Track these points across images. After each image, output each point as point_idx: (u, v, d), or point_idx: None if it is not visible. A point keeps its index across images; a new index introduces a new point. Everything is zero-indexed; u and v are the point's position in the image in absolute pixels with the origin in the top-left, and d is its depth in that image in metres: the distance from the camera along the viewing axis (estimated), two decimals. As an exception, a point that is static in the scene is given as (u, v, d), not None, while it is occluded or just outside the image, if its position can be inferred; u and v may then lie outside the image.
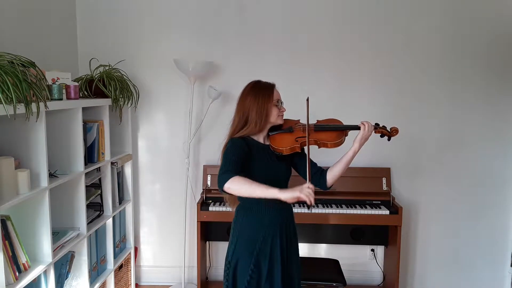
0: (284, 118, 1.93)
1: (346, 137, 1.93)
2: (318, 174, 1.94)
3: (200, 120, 3.27)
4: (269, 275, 1.85)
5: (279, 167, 1.73)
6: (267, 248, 1.86)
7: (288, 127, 1.92)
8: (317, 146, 1.90)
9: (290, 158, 1.92)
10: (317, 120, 1.98)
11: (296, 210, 2.95)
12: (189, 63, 3.00)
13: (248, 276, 1.82)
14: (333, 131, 1.90)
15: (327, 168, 1.95)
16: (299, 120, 1.98)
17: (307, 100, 1.90)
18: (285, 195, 1.57)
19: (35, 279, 1.95)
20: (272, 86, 1.90)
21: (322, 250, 3.46)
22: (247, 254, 1.85)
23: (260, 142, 1.90)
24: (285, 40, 3.24)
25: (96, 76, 2.78)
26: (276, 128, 1.92)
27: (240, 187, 1.60)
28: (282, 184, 1.95)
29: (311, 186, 1.58)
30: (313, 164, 1.91)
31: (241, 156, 1.77)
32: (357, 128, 1.88)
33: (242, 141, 1.83)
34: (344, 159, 1.88)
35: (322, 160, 2.10)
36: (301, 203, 1.66)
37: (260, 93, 1.84)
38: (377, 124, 1.94)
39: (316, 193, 1.77)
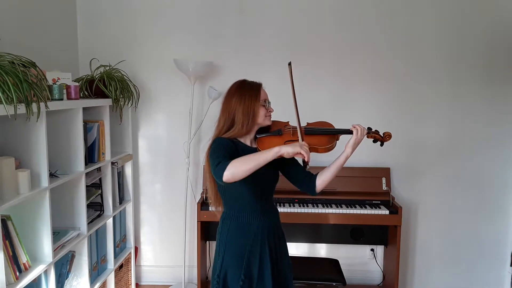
0: (272, 119, 1.87)
1: (337, 141, 1.85)
2: (307, 179, 1.86)
3: (200, 120, 3.28)
4: (260, 284, 1.79)
5: (267, 171, 1.64)
6: (256, 256, 1.79)
7: (277, 129, 1.84)
8: None
9: (278, 161, 1.71)
10: (307, 123, 1.89)
11: (296, 210, 2.96)
12: (189, 63, 3.00)
13: (239, 287, 1.75)
14: (324, 135, 1.83)
15: (317, 173, 1.86)
16: (288, 122, 1.91)
17: (289, 64, 1.82)
18: (286, 149, 1.57)
19: (35, 279, 1.95)
20: (259, 85, 1.83)
21: (322, 250, 3.47)
22: (236, 264, 1.78)
23: (247, 145, 1.83)
24: (285, 40, 3.24)
25: (96, 76, 2.79)
26: (264, 130, 1.85)
27: (242, 166, 1.53)
28: (270, 188, 1.89)
29: (306, 144, 1.65)
30: (303, 162, 1.80)
31: (230, 152, 1.69)
32: (349, 132, 1.81)
33: (229, 141, 1.76)
34: (335, 164, 1.81)
35: (313, 158, 2.00)
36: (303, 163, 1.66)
37: (246, 92, 1.78)
38: (369, 129, 1.87)
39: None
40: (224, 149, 1.69)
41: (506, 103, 3.26)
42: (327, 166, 1.85)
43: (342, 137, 1.86)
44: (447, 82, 3.25)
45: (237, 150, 1.76)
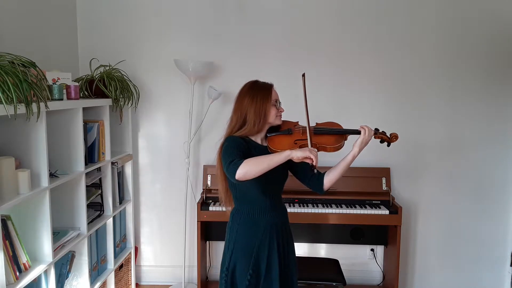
0: (282, 119, 1.93)
1: (345, 141, 1.91)
2: (315, 177, 1.91)
3: (200, 120, 3.28)
4: (267, 278, 1.85)
5: (277, 169, 1.67)
6: (264, 252, 1.85)
7: (287, 128, 1.91)
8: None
9: (287, 161, 1.75)
10: (316, 123, 1.96)
11: (296, 210, 2.96)
12: (189, 63, 3.00)
13: (247, 281, 1.82)
14: (333, 135, 1.89)
15: (325, 172, 1.92)
16: (298, 122, 1.97)
17: (303, 76, 1.88)
18: (296, 154, 1.64)
19: (35, 279, 1.96)
20: (270, 86, 1.89)
21: (322, 250, 3.47)
22: (245, 258, 1.85)
23: (258, 143, 1.90)
24: (285, 40, 3.24)
25: (96, 76, 2.79)
26: (274, 129, 1.91)
27: (254, 166, 1.61)
28: (279, 186, 1.95)
29: (315, 149, 1.73)
30: (310, 167, 1.83)
31: (242, 150, 1.76)
32: (357, 132, 1.86)
33: (241, 139, 1.83)
34: (342, 163, 1.87)
35: (320, 159, 2.07)
36: (310, 165, 1.69)
37: (258, 93, 1.85)
38: (376, 130, 1.93)
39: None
40: (237, 148, 1.75)
41: (506, 103, 3.26)
42: (334, 166, 1.90)
43: (350, 138, 1.91)
44: (447, 82, 3.25)
45: (249, 148, 1.83)
